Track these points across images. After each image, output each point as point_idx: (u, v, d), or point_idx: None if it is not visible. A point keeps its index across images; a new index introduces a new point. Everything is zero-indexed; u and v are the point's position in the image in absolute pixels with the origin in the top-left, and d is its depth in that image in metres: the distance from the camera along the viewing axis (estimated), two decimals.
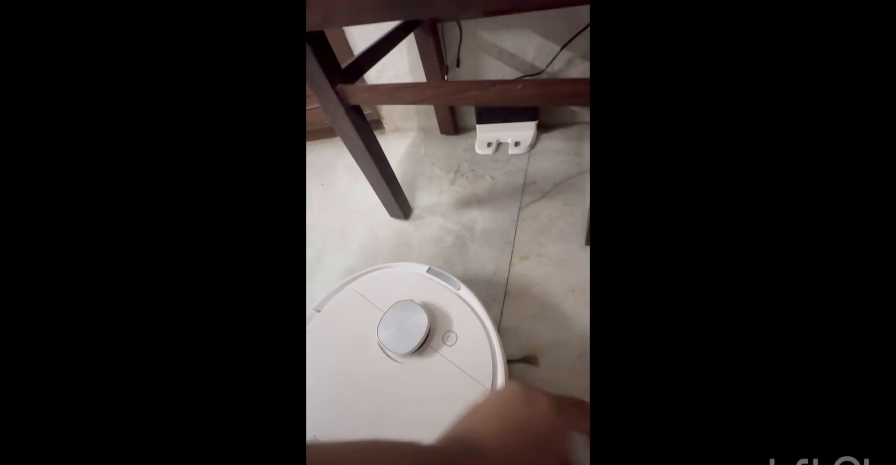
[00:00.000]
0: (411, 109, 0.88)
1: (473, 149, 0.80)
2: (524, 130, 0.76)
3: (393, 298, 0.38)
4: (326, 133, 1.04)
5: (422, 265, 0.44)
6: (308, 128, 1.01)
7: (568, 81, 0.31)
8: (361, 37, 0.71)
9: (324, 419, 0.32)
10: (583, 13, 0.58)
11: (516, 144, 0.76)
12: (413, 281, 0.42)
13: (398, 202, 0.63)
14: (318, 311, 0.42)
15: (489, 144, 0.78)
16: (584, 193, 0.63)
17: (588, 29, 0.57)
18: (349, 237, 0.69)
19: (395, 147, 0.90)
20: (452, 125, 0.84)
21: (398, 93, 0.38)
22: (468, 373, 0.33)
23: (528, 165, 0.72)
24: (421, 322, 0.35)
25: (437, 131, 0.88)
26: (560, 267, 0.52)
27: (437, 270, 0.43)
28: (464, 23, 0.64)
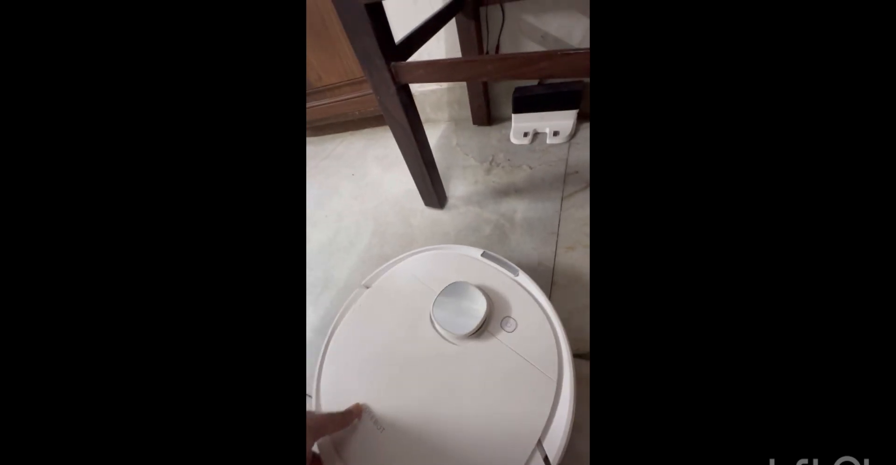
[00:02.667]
0: (444, 99, 0.86)
1: (508, 139, 0.78)
2: (564, 120, 0.73)
3: (446, 279, 0.35)
4: (354, 125, 1.05)
5: (476, 249, 0.41)
6: (336, 119, 1.01)
7: None
8: (399, 23, 0.70)
9: (378, 398, 0.31)
10: None
11: (555, 133, 0.73)
12: (467, 264, 0.39)
13: (435, 190, 0.62)
14: (367, 287, 0.40)
15: (525, 134, 0.76)
16: None
17: None
18: (383, 224, 0.68)
19: (427, 137, 0.89)
20: (486, 115, 0.82)
21: (457, 68, 0.37)
22: (530, 361, 0.31)
23: (568, 155, 0.69)
24: (479, 305, 0.33)
25: (470, 122, 0.86)
26: None
27: (493, 254, 0.40)
28: (507, 5, 0.62)
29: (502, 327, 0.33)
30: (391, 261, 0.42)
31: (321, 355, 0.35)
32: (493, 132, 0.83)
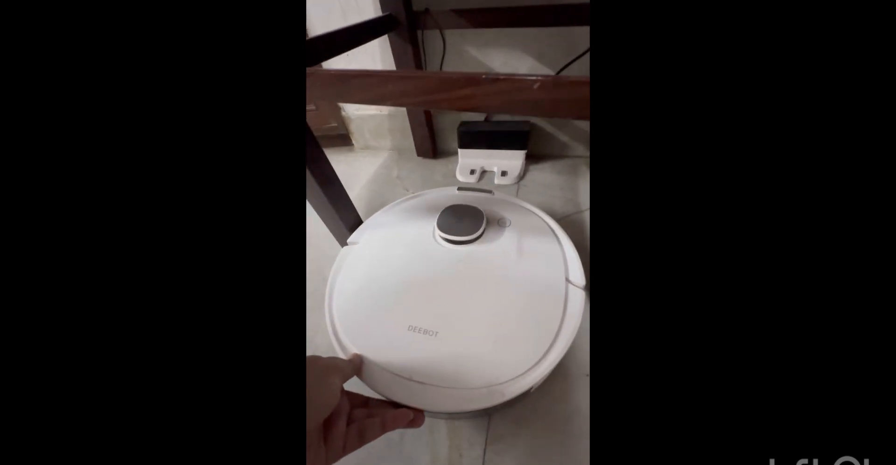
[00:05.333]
0: (384, 125, 0.77)
1: (454, 175, 0.70)
2: (512, 160, 0.67)
3: (435, 213, 0.37)
4: None
5: (451, 187, 0.46)
6: None
7: None
8: (321, 22, 0.60)
9: (417, 312, 0.31)
10: (580, 38, 0.52)
11: (503, 173, 0.66)
12: (449, 198, 0.42)
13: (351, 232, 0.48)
14: (355, 243, 0.39)
15: (472, 172, 0.68)
16: (585, 234, 0.53)
17: (586, 55, 0.51)
18: None
19: (364, 167, 0.77)
20: (431, 148, 0.74)
21: (349, 85, 0.26)
22: (532, 237, 0.36)
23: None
24: (477, 212, 0.37)
25: (414, 153, 0.77)
26: None
27: (466, 185, 0.45)
28: (448, 34, 0.56)
29: (500, 225, 0.37)
30: (374, 214, 0.42)
31: (327, 313, 0.32)
32: (438, 166, 0.74)
